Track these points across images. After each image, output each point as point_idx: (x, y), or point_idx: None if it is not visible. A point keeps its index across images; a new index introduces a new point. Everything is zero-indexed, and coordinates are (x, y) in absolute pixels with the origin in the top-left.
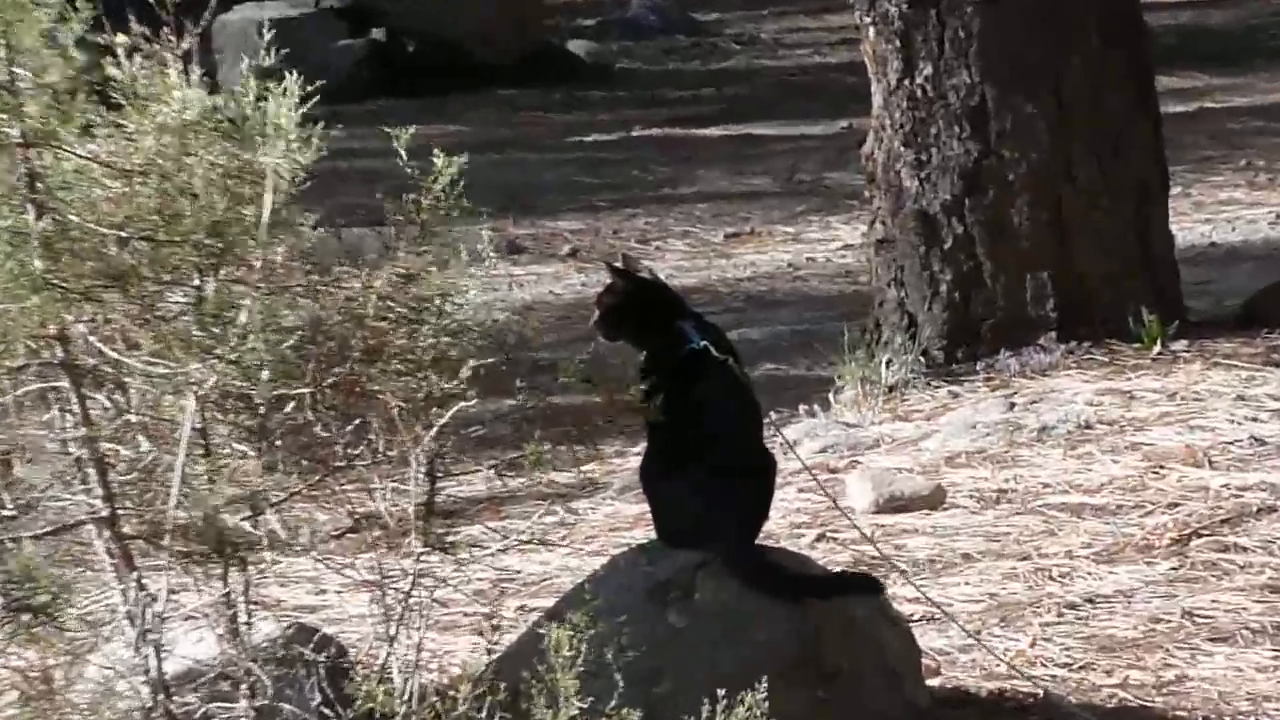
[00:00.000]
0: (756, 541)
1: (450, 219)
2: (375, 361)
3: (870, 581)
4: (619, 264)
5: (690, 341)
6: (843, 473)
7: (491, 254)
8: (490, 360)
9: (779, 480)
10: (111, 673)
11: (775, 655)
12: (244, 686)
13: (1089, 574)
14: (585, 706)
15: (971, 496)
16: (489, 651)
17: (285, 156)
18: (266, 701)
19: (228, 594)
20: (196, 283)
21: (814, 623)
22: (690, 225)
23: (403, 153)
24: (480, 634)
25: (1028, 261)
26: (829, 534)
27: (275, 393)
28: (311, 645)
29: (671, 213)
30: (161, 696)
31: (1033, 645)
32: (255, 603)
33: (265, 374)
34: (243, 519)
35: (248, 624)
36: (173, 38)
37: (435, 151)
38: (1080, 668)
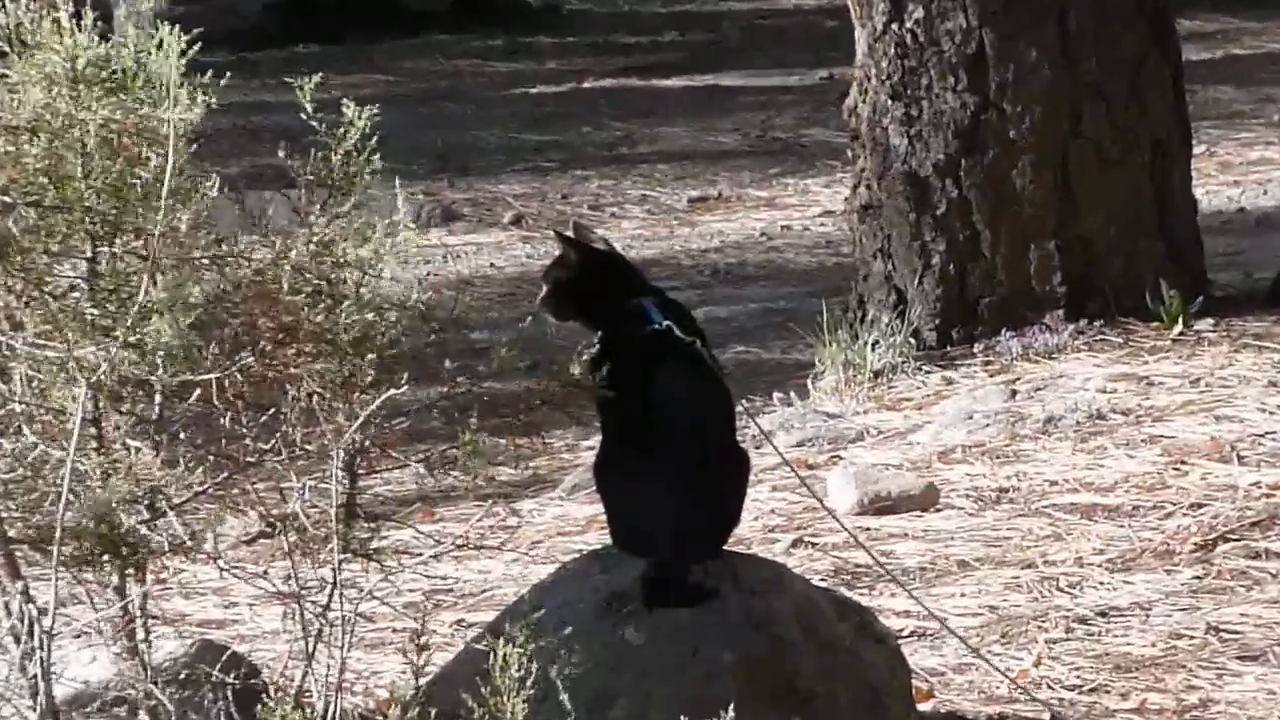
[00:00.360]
0: (727, 548)
1: (367, 180)
2: (289, 343)
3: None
4: (569, 233)
5: (651, 321)
6: (823, 469)
7: (420, 221)
8: (421, 341)
9: (751, 478)
10: None
11: (744, 677)
12: (143, 711)
13: (1101, 584)
14: None
15: (968, 496)
16: (418, 673)
17: (189, 112)
18: None
19: (125, 607)
20: (89, 254)
21: (787, 640)
22: (649, 189)
23: (307, 105)
24: (410, 652)
25: (1031, 229)
26: (808, 538)
27: (177, 379)
28: (219, 665)
29: (628, 175)
30: None
31: (1038, 664)
32: (155, 617)
33: (167, 358)
34: (141, 521)
35: (147, 641)
36: None
37: (345, 102)
38: (1091, 690)
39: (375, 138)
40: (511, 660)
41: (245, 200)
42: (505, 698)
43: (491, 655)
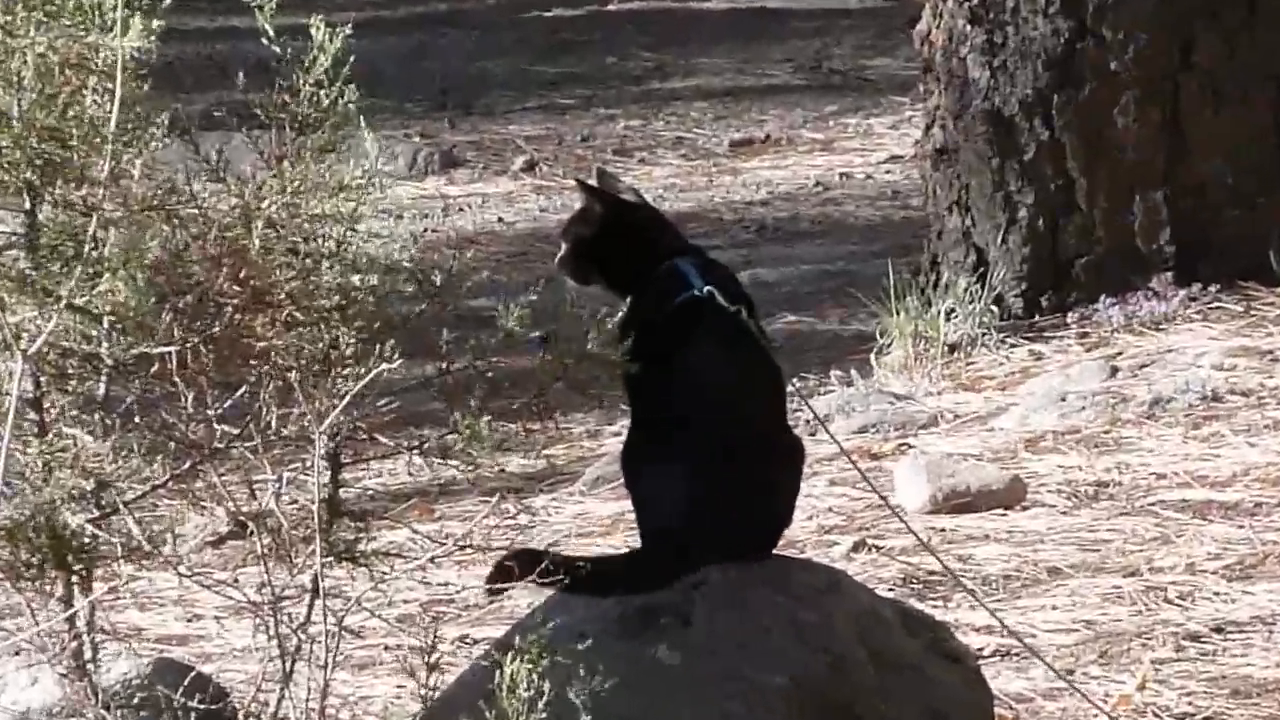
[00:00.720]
0: (774, 551)
1: (338, 117)
2: (261, 310)
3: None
4: (592, 181)
5: (690, 285)
6: (889, 460)
7: (416, 168)
8: (415, 309)
9: (805, 470)
10: None
11: (795, 703)
12: None
13: (1217, 594)
14: None
15: (1060, 492)
16: (423, 697)
17: (141, 39)
18: None
19: (71, 620)
20: (27, 205)
21: (847, 659)
22: (685, 130)
23: (268, 27)
24: (407, 673)
25: (1135, 177)
26: (871, 540)
27: (131, 352)
28: (181, 687)
29: (660, 114)
30: None
31: (1142, 688)
32: (106, 631)
33: (118, 326)
34: (89, 520)
35: (96, 659)
36: None
37: (314, 24)
38: (1205, 719)
39: (349, 64)
40: (520, 679)
41: (200, 142)
42: None
43: (497, 674)
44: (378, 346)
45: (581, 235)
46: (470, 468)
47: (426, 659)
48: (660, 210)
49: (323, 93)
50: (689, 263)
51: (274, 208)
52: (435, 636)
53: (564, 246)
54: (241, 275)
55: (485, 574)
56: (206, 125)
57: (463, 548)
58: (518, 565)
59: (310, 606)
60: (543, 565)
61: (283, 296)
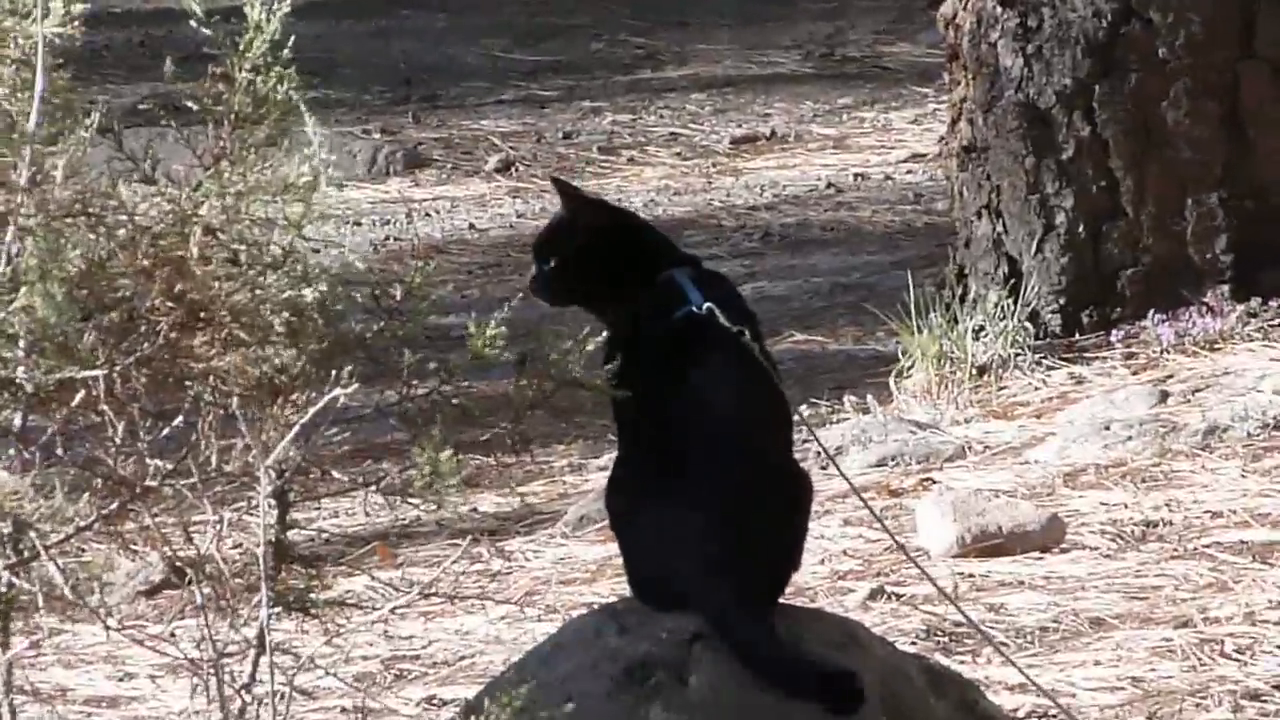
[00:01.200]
0: (781, 600)
1: (285, 108)
2: (200, 328)
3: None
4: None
5: (687, 301)
6: (910, 496)
7: (376, 168)
8: (375, 327)
9: (815, 508)
10: None
11: None
12: None
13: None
14: None
15: (1104, 532)
16: None
17: (62, 24)
18: None
19: None
20: None
21: None
22: (681, 125)
23: (196, 6)
24: None
25: (1188, 178)
26: (890, 587)
27: (53, 376)
28: None
29: (653, 107)
30: None
31: None
32: (27, 692)
33: (36, 348)
34: (6, 566)
35: None
36: None
37: (249, 2)
38: None
39: (297, 50)
40: None
41: (129, 139)
42: None
43: None
44: (331, 370)
45: (562, 247)
46: (436, 507)
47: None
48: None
49: (260, 80)
50: (686, 275)
51: (212, 212)
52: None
53: (538, 263)
54: (176, 289)
55: (456, 626)
56: (137, 120)
57: (428, 596)
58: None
59: (256, 664)
60: None
61: (223, 313)
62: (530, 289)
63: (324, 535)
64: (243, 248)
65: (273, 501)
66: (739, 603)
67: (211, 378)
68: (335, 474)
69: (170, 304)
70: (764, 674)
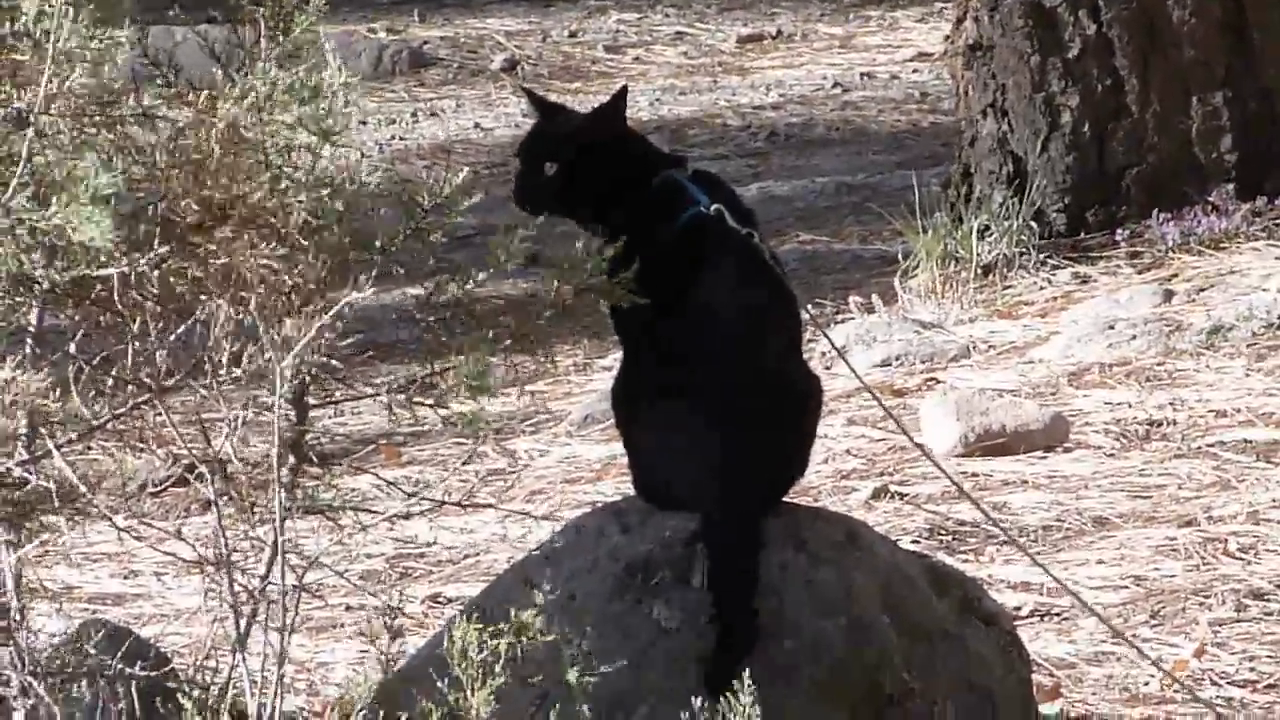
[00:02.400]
0: (786, 500)
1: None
2: (217, 228)
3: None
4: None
5: (694, 202)
6: (914, 396)
7: (381, 68)
8: (395, 232)
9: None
10: None
11: (811, 671)
12: (18, 711)
13: None
14: None
15: (1108, 432)
16: (384, 664)
17: None
18: None
19: None
20: None
21: (868, 623)
22: (687, 24)
23: None
24: (368, 637)
25: (1193, 77)
26: (894, 486)
27: (69, 274)
28: (119, 653)
29: (659, 5)
30: None
31: (1200, 654)
32: (34, 589)
33: (53, 248)
34: (17, 464)
35: (23, 622)
36: None
37: None
38: (1269, 685)
39: None
40: (470, 643)
41: (147, 42)
42: (468, 692)
43: (445, 638)
44: (348, 273)
45: (548, 158)
46: (449, 410)
47: (388, 622)
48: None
49: None
50: (685, 177)
51: (236, 113)
52: (402, 597)
53: (527, 173)
54: (195, 189)
55: (461, 525)
56: (149, 19)
57: (441, 504)
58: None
59: (270, 564)
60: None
61: (245, 213)
62: (516, 200)
63: (333, 436)
64: (271, 150)
65: (287, 402)
66: (728, 508)
67: (230, 278)
68: (350, 376)
69: (190, 203)
70: (713, 588)
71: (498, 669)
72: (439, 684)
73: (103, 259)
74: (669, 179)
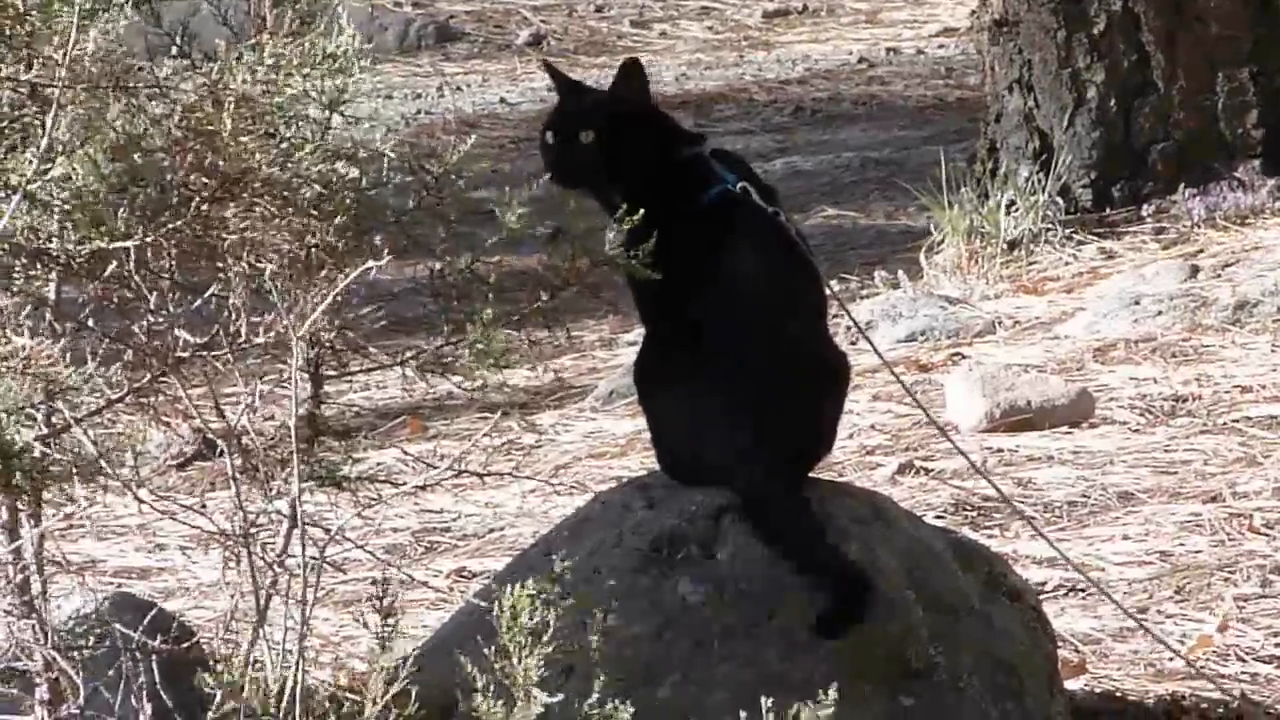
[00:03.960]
0: (812, 476)
1: None
2: (234, 200)
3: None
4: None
5: (719, 179)
6: (940, 371)
7: (407, 42)
8: (410, 204)
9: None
10: None
11: (836, 647)
12: (41, 685)
13: None
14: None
15: (1133, 407)
16: (385, 643)
17: None
18: (76, 708)
19: (17, 550)
20: None
21: (893, 598)
22: None
23: None
24: (379, 614)
25: (1219, 52)
26: (919, 462)
27: (86, 247)
28: (141, 626)
29: None
30: None
31: (1224, 629)
32: (58, 563)
33: (70, 219)
34: (37, 437)
35: (45, 595)
36: None
37: None
38: None
39: None
40: (522, 608)
41: (162, 12)
42: (515, 659)
43: (496, 604)
44: (364, 244)
45: (583, 128)
46: (472, 383)
47: (377, 602)
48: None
49: None
50: (707, 154)
51: (248, 84)
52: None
53: (559, 146)
54: (209, 161)
55: (486, 500)
56: None
57: (460, 472)
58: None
59: (288, 536)
60: None
61: (258, 185)
62: (551, 173)
63: (354, 409)
64: (281, 121)
65: (305, 375)
66: (769, 479)
67: (245, 250)
68: (370, 349)
69: (203, 176)
70: (789, 556)
71: (545, 638)
72: (485, 651)
73: (115, 229)
74: (694, 155)
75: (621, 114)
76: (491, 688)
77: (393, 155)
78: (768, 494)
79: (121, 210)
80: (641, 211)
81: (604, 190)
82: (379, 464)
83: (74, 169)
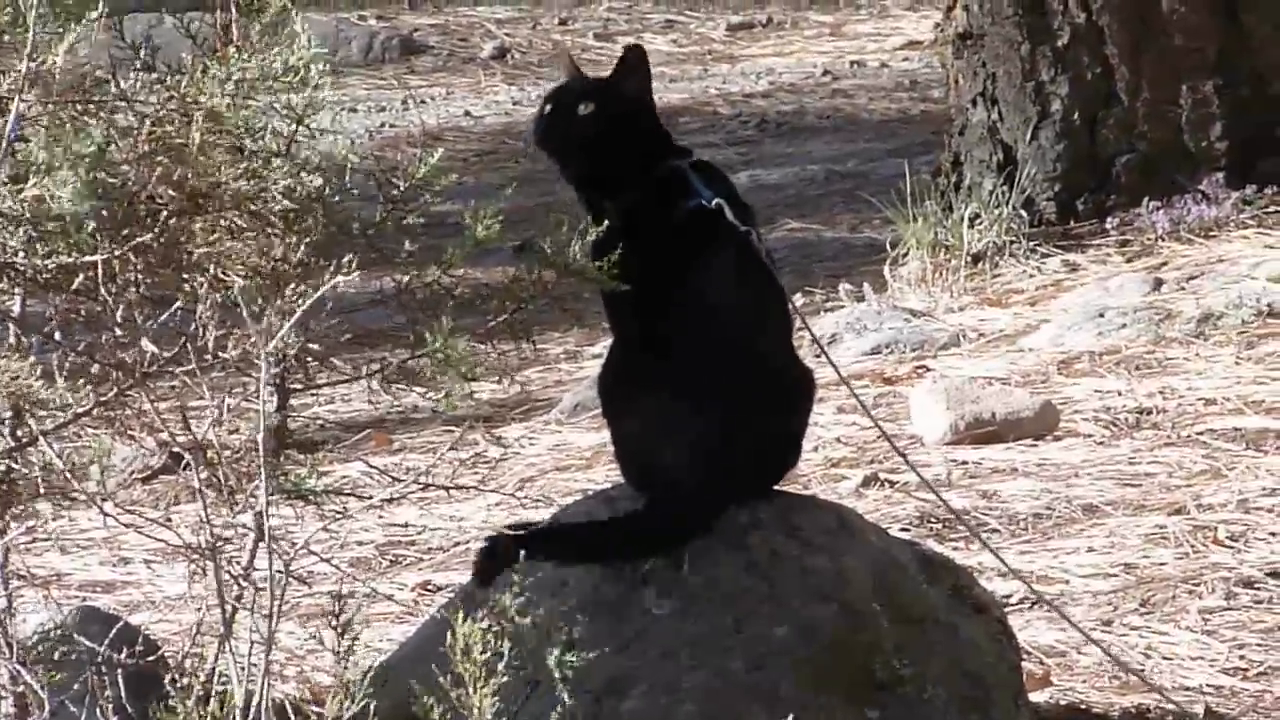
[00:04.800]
0: (776, 489)
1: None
2: (201, 214)
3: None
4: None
5: (697, 195)
6: (905, 383)
7: (371, 55)
8: (376, 217)
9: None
10: None
11: (803, 659)
12: (6, 699)
13: (1273, 534)
14: None
15: (1098, 420)
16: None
17: None
18: None
19: None
20: None
21: (860, 610)
22: (677, 12)
23: None
24: (334, 629)
25: (1184, 64)
26: (884, 474)
27: (53, 261)
28: (107, 640)
29: None
30: None
31: (1182, 638)
32: (23, 577)
33: (36, 233)
34: (3, 452)
35: (10, 609)
36: None
37: None
38: (1260, 674)
39: None
40: (474, 641)
41: (125, 28)
42: (470, 689)
43: (449, 634)
44: (332, 258)
45: (583, 100)
46: (436, 394)
47: (334, 620)
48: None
49: None
50: (686, 166)
51: (216, 98)
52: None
53: (554, 114)
54: (177, 175)
55: (451, 513)
56: (132, 7)
57: (425, 485)
58: (503, 548)
59: (254, 550)
60: (530, 542)
61: (226, 198)
62: (540, 139)
63: (320, 422)
64: (247, 135)
65: (271, 389)
66: (681, 492)
67: (211, 264)
68: (335, 362)
69: (171, 191)
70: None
71: (500, 668)
72: (440, 678)
73: (83, 242)
74: (675, 168)
75: (625, 96)
76: (449, 716)
77: (357, 164)
78: (685, 507)
79: (88, 224)
80: (606, 224)
81: (585, 171)
82: (344, 477)
83: (46, 189)
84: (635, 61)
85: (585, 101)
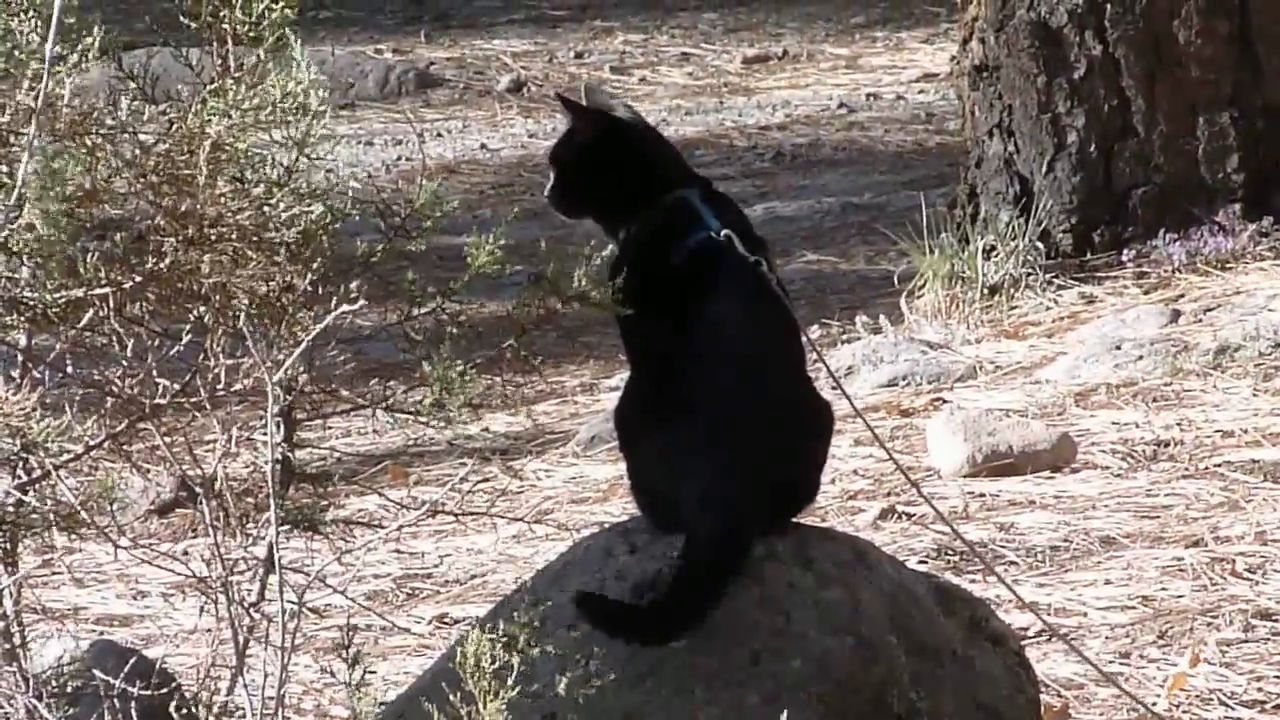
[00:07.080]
0: (795, 522)
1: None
2: (208, 245)
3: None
4: (579, 98)
5: (704, 225)
6: (921, 415)
7: (388, 88)
8: (381, 247)
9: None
10: None
11: (819, 693)
12: None
13: None
14: None
15: (1115, 452)
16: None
17: None
18: None
19: None
20: None
21: (876, 643)
22: (693, 45)
23: None
24: (346, 662)
25: (1199, 97)
26: (901, 507)
27: (61, 295)
28: (122, 673)
29: (664, 26)
30: None
31: (1195, 664)
32: (38, 611)
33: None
34: (14, 486)
35: (26, 643)
36: None
37: None
38: (1277, 706)
39: None
40: (483, 655)
41: (125, 60)
42: (479, 704)
43: (459, 649)
44: (338, 288)
45: (571, 160)
46: (445, 425)
47: (344, 651)
48: (659, 131)
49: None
50: (697, 197)
51: (219, 130)
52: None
53: (553, 174)
54: (184, 208)
55: (467, 545)
56: (130, 42)
57: (436, 514)
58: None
59: (264, 582)
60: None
61: (230, 231)
62: (546, 197)
63: (336, 455)
64: (249, 167)
65: (280, 420)
66: (714, 528)
67: (219, 296)
68: (343, 393)
69: (177, 223)
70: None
71: (510, 681)
72: (450, 697)
73: (92, 278)
74: (681, 199)
75: (584, 162)
76: None
77: (358, 190)
78: (704, 547)
79: (93, 256)
80: (625, 254)
81: (588, 203)
82: (360, 510)
83: (34, 219)
84: (583, 112)
85: (555, 166)
